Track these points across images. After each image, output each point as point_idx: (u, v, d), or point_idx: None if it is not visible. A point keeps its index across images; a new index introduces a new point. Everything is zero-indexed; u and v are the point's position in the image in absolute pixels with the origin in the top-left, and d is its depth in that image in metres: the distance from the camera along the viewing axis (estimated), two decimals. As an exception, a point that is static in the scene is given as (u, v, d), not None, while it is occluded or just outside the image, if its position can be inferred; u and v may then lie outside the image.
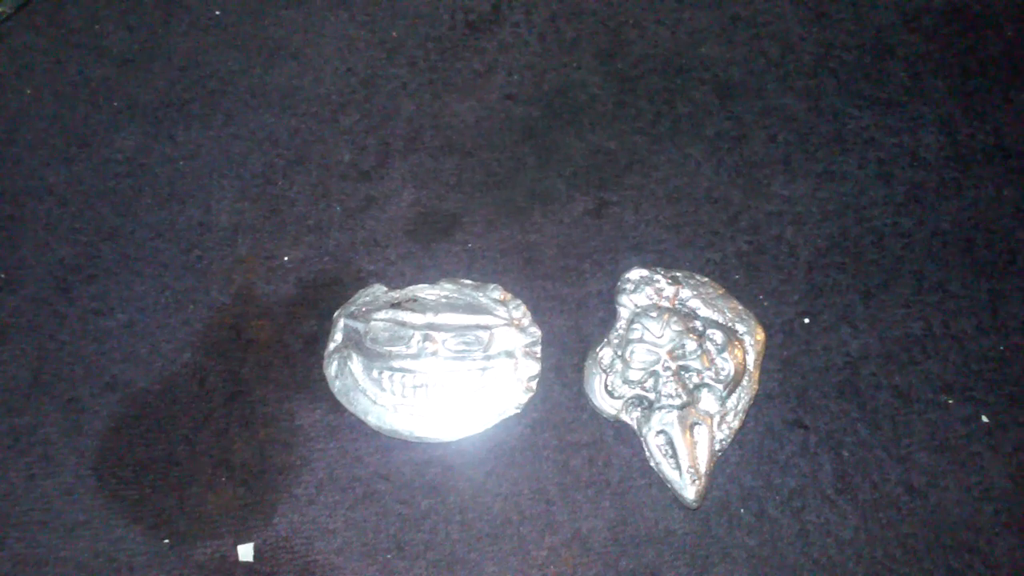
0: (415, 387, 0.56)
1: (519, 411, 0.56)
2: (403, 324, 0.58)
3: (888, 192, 0.62)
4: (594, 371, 0.57)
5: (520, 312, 0.59)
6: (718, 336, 0.56)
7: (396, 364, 0.57)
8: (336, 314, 0.59)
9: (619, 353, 0.57)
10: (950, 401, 0.56)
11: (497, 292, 0.59)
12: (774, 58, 0.67)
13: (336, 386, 0.57)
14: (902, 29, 0.68)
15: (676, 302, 0.58)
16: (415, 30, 0.69)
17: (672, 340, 0.56)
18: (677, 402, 0.55)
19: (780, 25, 0.68)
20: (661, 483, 0.55)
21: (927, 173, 0.63)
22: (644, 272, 0.59)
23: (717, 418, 0.55)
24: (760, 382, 0.56)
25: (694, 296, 0.58)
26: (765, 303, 0.59)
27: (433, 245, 0.62)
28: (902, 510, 0.54)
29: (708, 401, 0.55)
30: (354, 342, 0.58)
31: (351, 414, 0.57)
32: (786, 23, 0.68)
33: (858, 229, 0.61)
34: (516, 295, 0.59)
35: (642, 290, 0.58)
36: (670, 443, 0.55)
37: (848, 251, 0.60)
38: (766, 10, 0.68)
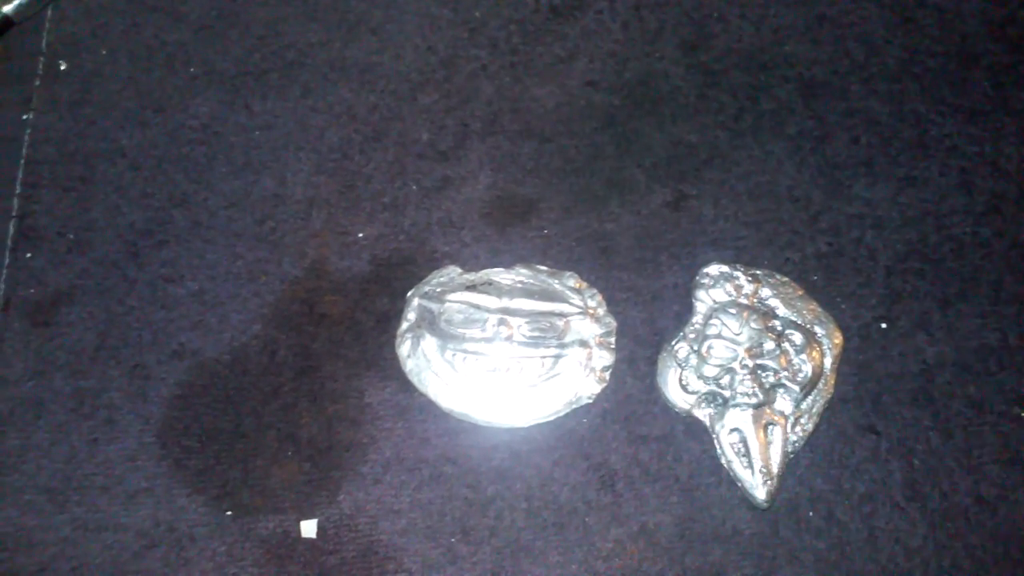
0: (488, 371, 0.56)
1: (591, 401, 0.56)
2: (478, 307, 0.57)
3: (968, 201, 0.62)
4: (669, 364, 0.56)
5: (595, 301, 0.58)
6: (797, 337, 0.55)
7: (470, 347, 0.56)
8: (410, 293, 0.58)
9: (695, 348, 0.56)
10: (1023, 414, 0.56)
11: (573, 280, 0.59)
12: (859, 60, 0.66)
13: (408, 366, 0.56)
14: (987, 38, 0.67)
15: (755, 300, 0.57)
16: (498, 11, 0.68)
17: (751, 338, 0.56)
18: (753, 401, 0.54)
19: (866, 27, 0.67)
20: (730, 481, 0.54)
21: (1008, 184, 0.62)
22: (724, 268, 0.58)
23: (791, 419, 0.55)
24: (835, 385, 0.56)
25: (773, 295, 0.57)
26: (843, 306, 0.58)
27: (508, 229, 0.61)
28: (971, 521, 0.53)
29: (783, 402, 0.55)
30: (428, 322, 0.57)
31: (420, 394, 0.56)
32: (872, 25, 0.67)
33: (937, 236, 0.60)
34: (591, 284, 0.59)
35: (721, 286, 0.58)
36: (743, 442, 0.54)
37: (927, 258, 0.60)
38: (852, 11, 0.68)
